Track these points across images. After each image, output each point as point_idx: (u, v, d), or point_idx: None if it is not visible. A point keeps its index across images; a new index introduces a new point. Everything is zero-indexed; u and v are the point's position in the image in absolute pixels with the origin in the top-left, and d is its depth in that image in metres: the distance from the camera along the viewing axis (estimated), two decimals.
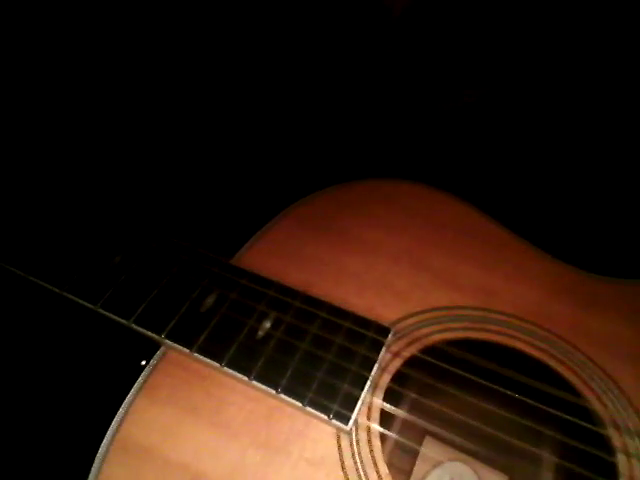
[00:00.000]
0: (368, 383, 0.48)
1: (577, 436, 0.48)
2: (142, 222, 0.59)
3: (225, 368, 0.49)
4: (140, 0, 0.96)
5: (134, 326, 0.52)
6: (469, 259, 0.59)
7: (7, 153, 0.77)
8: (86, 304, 0.53)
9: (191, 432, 0.47)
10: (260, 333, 0.51)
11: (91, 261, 0.56)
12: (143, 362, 0.50)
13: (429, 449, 0.53)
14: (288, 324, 0.52)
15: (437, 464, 0.53)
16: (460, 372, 0.50)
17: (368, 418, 0.48)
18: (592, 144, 0.82)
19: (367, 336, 0.51)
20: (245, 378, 0.49)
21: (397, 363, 0.51)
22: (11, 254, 0.57)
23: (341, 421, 0.46)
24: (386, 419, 0.49)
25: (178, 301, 0.53)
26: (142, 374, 0.49)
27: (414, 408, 0.53)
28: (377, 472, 0.45)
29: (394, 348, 0.52)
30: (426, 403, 0.51)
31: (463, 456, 0.53)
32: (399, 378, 0.51)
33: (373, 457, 0.46)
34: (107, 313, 0.52)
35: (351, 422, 0.46)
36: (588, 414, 0.49)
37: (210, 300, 0.53)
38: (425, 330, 0.53)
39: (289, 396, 0.48)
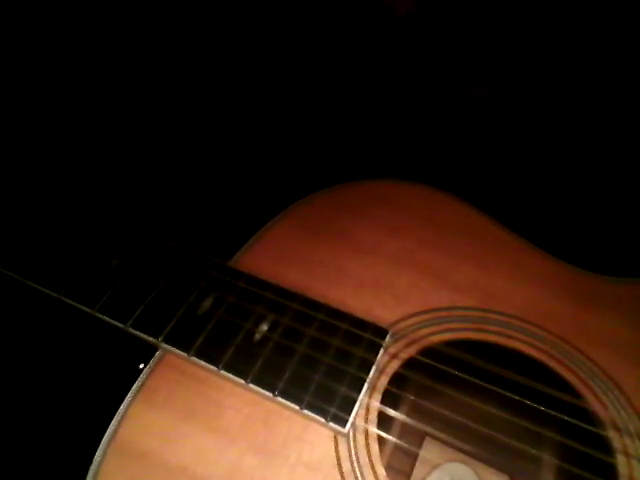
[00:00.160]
0: (366, 385, 0.48)
1: (577, 437, 0.47)
2: (139, 225, 0.59)
3: (222, 371, 0.49)
4: (140, 0, 0.96)
5: (131, 330, 0.51)
6: (469, 259, 0.59)
7: (4, 158, 0.77)
8: (83, 308, 0.53)
9: (188, 436, 0.47)
10: (257, 336, 0.51)
11: (88, 265, 0.56)
12: (141, 365, 0.50)
13: (429, 450, 0.53)
14: (285, 327, 0.52)
15: (437, 465, 0.53)
16: (459, 373, 0.50)
17: (366, 421, 0.48)
18: (592, 144, 0.82)
19: (365, 338, 0.51)
20: (242, 381, 0.48)
21: (395, 365, 0.51)
22: (8, 258, 0.57)
23: (338, 424, 0.46)
24: (385, 421, 0.49)
25: (175, 304, 0.53)
26: (139, 378, 0.49)
27: (413, 410, 0.53)
28: (375, 475, 0.45)
29: (392, 350, 0.52)
30: (425, 405, 0.51)
31: (463, 457, 0.53)
32: (397, 380, 0.50)
33: (371, 460, 0.46)
34: (104, 317, 0.52)
35: (348, 425, 0.46)
36: (588, 415, 0.49)
37: (207, 303, 0.53)
38: (424, 331, 0.53)
39: (286, 399, 0.47)
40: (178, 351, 0.50)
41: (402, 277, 0.57)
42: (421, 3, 0.88)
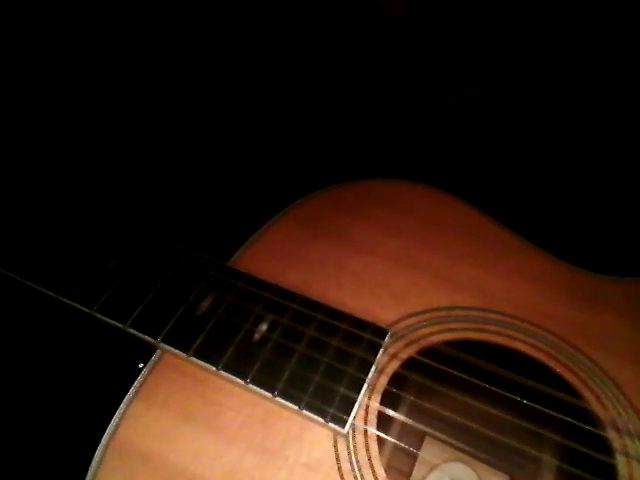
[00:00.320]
0: (365, 386, 0.48)
1: (577, 437, 0.47)
2: (138, 225, 0.59)
3: (221, 372, 0.49)
4: (140, 0, 0.96)
5: (130, 330, 0.51)
6: (469, 259, 0.59)
7: (4, 158, 0.77)
8: (82, 308, 0.53)
9: (187, 436, 0.47)
10: (256, 336, 0.51)
11: (87, 265, 0.56)
12: (141, 365, 0.50)
13: (429, 450, 0.53)
14: (285, 327, 0.52)
15: (437, 465, 0.53)
16: (459, 373, 0.50)
17: (365, 421, 0.48)
18: (593, 144, 0.82)
19: (364, 338, 0.51)
20: (241, 382, 0.48)
21: (395, 365, 0.51)
22: (7, 258, 0.57)
23: (338, 424, 0.46)
24: (384, 421, 0.49)
25: (174, 304, 0.53)
26: (138, 378, 0.49)
27: (413, 410, 0.53)
28: (374, 475, 0.45)
29: (392, 350, 0.51)
30: (425, 405, 0.51)
31: (463, 457, 0.53)
32: (397, 380, 0.50)
33: (370, 460, 0.46)
34: (103, 317, 0.52)
35: (348, 425, 0.46)
36: (588, 415, 0.49)
37: (206, 303, 0.53)
38: (423, 331, 0.53)
39: (285, 399, 0.47)
40: (177, 351, 0.50)
41: (402, 277, 0.57)
42: (413, 4, 0.88)
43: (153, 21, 0.96)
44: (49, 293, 0.54)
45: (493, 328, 0.53)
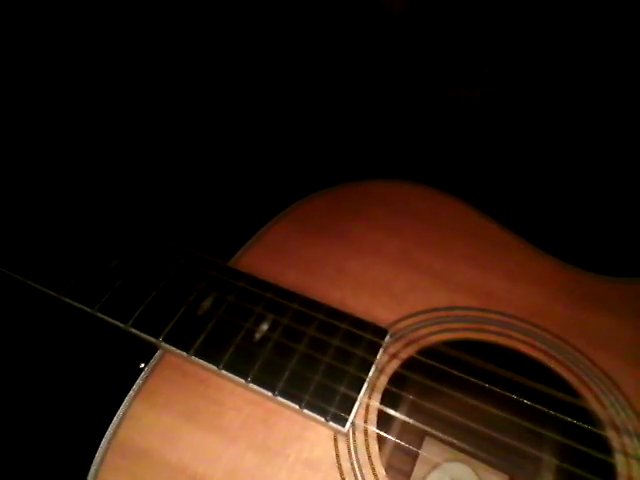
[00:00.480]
0: (365, 385, 0.48)
1: (576, 437, 0.47)
2: (139, 225, 0.60)
3: (222, 371, 0.49)
4: (140, 0, 0.96)
5: (132, 329, 0.52)
6: (468, 259, 0.59)
7: (4, 158, 0.77)
8: (84, 308, 0.53)
9: (189, 435, 0.47)
10: (257, 336, 0.51)
11: (88, 265, 0.56)
12: (142, 365, 0.50)
13: (429, 450, 0.53)
14: (285, 326, 0.52)
15: (437, 465, 0.53)
16: (459, 373, 0.50)
17: (365, 420, 0.48)
18: (592, 144, 0.82)
19: (364, 338, 0.51)
20: (242, 381, 0.49)
21: (395, 365, 0.51)
22: (9, 259, 0.57)
23: (338, 423, 0.46)
24: (385, 421, 0.49)
25: (175, 304, 0.53)
26: (139, 378, 0.49)
27: (413, 409, 0.53)
28: (374, 474, 0.45)
29: (392, 349, 0.52)
30: (425, 404, 0.51)
31: (463, 457, 0.53)
32: (397, 380, 0.50)
33: (370, 459, 0.46)
34: (105, 317, 0.52)
35: (348, 424, 0.46)
36: (587, 415, 0.49)
37: (207, 303, 0.53)
38: (423, 331, 0.53)
39: (286, 399, 0.47)
40: (178, 351, 0.50)
41: (402, 277, 0.57)
42: (414, 0, 0.88)
43: (153, 21, 0.97)
44: (51, 293, 0.54)
45: (492, 328, 0.53)
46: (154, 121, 0.90)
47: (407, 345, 0.52)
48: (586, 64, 0.84)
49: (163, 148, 0.87)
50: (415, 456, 0.53)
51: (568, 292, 0.56)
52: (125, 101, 0.91)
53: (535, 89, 0.87)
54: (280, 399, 0.48)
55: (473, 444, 0.50)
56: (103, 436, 0.47)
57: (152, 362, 0.51)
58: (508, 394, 0.49)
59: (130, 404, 0.48)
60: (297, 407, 0.47)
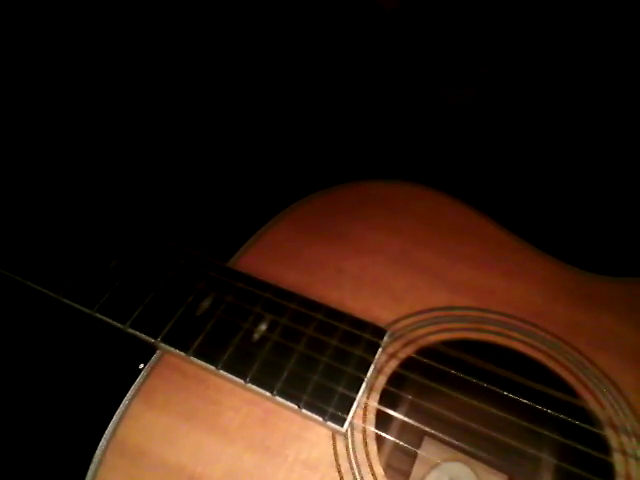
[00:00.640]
0: (364, 385, 0.48)
1: (575, 436, 0.47)
2: (138, 226, 0.60)
3: (221, 371, 0.49)
4: (140, 0, 0.96)
5: (130, 330, 0.52)
6: (467, 259, 0.59)
7: (4, 158, 0.77)
8: (82, 308, 0.53)
9: (187, 436, 0.47)
10: (256, 336, 0.51)
11: (87, 265, 0.56)
12: (141, 365, 0.51)
13: (428, 450, 0.53)
14: (284, 327, 0.52)
15: (436, 465, 0.53)
16: (457, 373, 0.50)
17: (364, 420, 0.48)
18: (592, 144, 0.82)
19: (363, 338, 0.51)
20: (241, 381, 0.49)
21: (393, 364, 0.51)
22: (8, 259, 0.57)
23: (337, 423, 0.46)
24: (383, 421, 0.49)
25: (174, 305, 0.53)
26: (138, 378, 0.50)
27: (412, 409, 0.53)
28: (373, 474, 0.45)
29: (390, 349, 0.52)
30: (424, 404, 0.51)
31: (462, 456, 0.53)
32: (396, 380, 0.50)
33: (369, 459, 0.46)
34: (103, 317, 0.53)
35: (346, 424, 0.46)
36: (586, 414, 0.49)
37: (206, 303, 0.53)
38: (422, 331, 0.53)
39: (285, 399, 0.47)
40: (177, 351, 0.50)
41: (400, 277, 0.57)
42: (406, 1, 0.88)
43: (153, 22, 0.97)
44: (50, 294, 0.54)
45: (492, 328, 0.53)
46: (153, 121, 0.90)
47: (406, 345, 0.52)
48: (584, 63, 0.84)
49: (162, 148, 0.87)
50: (414, 456, 0.53)
51: (568, 292, 0.56)
52: (124, 102, 0.92)
53: (533, 88, 0.87)
54: (279, 399, 0.48)
55: (472, 444, 0.50)
56: (102, 436, 0.47)
57: (151, 362, 0.51)
58: (507, 394, 0.49)
59: (129, 404, 0.48)
60: (296, 407, 0.47)
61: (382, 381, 0.50)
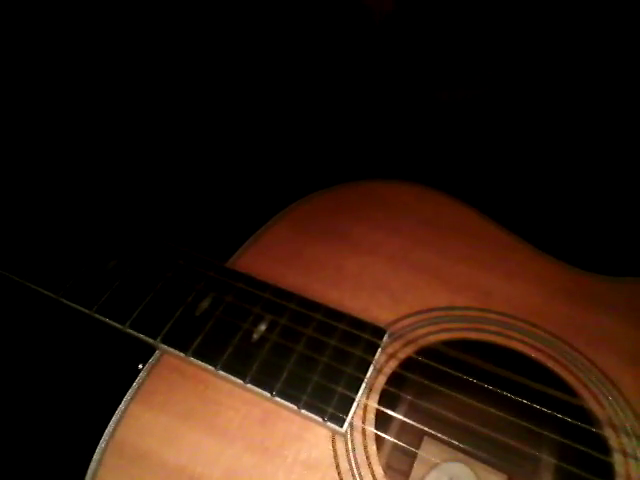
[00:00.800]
0: (363, 385, 0.48)
1: (574, 436, 0.47)
2: (137, 226, 0.60)
3: (220, 372, 0.49)
4: (140, 0, 0.96)
5: (129, 330, 0.52)
6: (467, 259, 0.59)
7: (3, 158, 0.77)
8: (81, 309, 0.53)
9: (187, 436, 0.47)
10: (255, 336, 0.51)
11: (86, 266, 0.56)
12: (140, 366, 0.50)
13: (427, 450, 0.53)
14: (283, 327, 0.52)
15: (435, 465, 0.53)
16: (457, 373, 0.50)
17: (363, 420, 0.48)
18: (591, 144, 0.82)
19: (362, 338, 0.51)
20: (240, 381, 0.48)
21: (393, 365, 0.51)
22: (7, 260, 0.57)
23: (336, 424, 0.46)
24: (383, 421, 0.49)
25: (173, 305, 0.53)
26: (137, 378, 0.49)
27: (411, 409, 0.53)
28: (372, 474, 0.45)
29: (390, 350, 0.52)
30: (423, 404, 0.51)
31: (462, 456, 0.53)
32: (395, 380, 0.50)
33: (368, 459, 0.46)
34: (102, 318, 0.52)
35: (346, 425, 0.46)
36: (586, 414, 0.49)
37: (205, 304, 0.53)
38: (421, 331, 0.53)
39: (284, 399, 0.47)
40: (176, 351, 0.50)
41: (400, 277, 0.57)
42: (401, 3, 0.88)
43: (153, 21, 0.97)
44: (49, 294, 0.54)
45: (491, 328, 0.53)
46: (152, 121, 0.90)
47: (405, 345, 0.52)
48: (581, 62, 0.84)
49: (162, 148, 0.87)
50: (413, 456, 0.53)
51: (567, 292, 0.56)
52: (124, 102, 0.91)
53: (533, 88, 0.87)
54: (278, 400, 0.48)
55: (472, 444, 0.50)
56: (101, 437, 0.47)
57: (150, 363, 0.51)
58: (507, 394, 0.49)
59: (128, 405, 0.48)
60: (295, 407, 0.47)
61: (382, 381, 0.50)
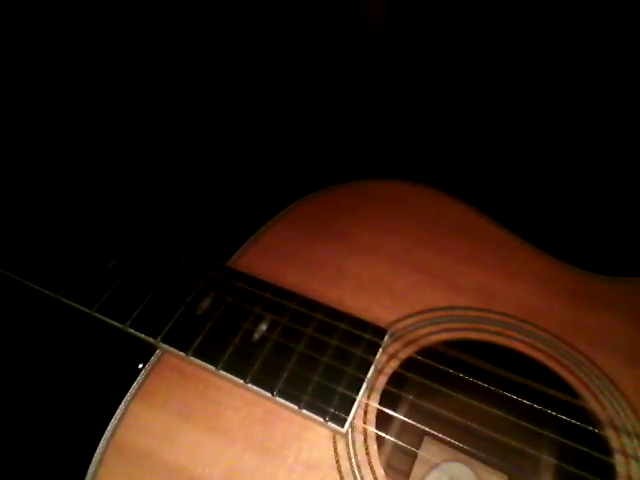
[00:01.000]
0: (364, 385, 0.48)
1: (575, 437, 0.47)
2: (138, 225, 0.59)
3: (221, 371, 0.49)
4: (140, 0, 0.96)
5: (130, 330, 0.51)
6: (468, 259, 0.59)
7: (3, 158, 0.77)
8: (82, 308, 0.53)
9: (187, 436, 0.47)
10: (256, 336, 0.51)
11: (87, 265, 0.56)
12: (140, 365, 0.50)
13: (428, 450, 0.53)
14: (284, 326, 0.52)
15: (436, 465, 0.53)
16: (458, 373, 0.50)
17: (364, 420, 0.48)
18: (591, 144, 0.82)
19: (363, 338, 0.51)
20: (241, 381, 0.48)
21: (394, 365, 0.51)
22: (7, 259, 0.57)
23: (337, 424, 0.46)
24: (384, 421, 0.49)
25: (174, 304, 0.53)
26: (138, 378, 0.49)
27: (412, 409, 0.53)
28: (373, 474, 0.45)
29: (391, 350, 0.52)
30: (424, 404, 0.51)
31: (462, 456, 0.53)
32: (396, 380, 0.50)
33: (369, 459, 0.46)
34: (103, 317, 0.52)
35: (347, 425, 0.46)
36: (586, 415, 0.49)
37: (206, 303, 0.53)
38: (422, 331, 0.53)
39: (285, 399, 0.47)
40: (177, 351, 0.50)
41: (401, 277, 0.57)
42: (393, 13, 0.88)
43: (153, 21, 0.97)
44: (49, 293, 0.54)
45: (492, 328, 0.53)
46: (152, 121, 0.90)
47: (406, 345, 0.52)
48: (580, 61, 0.84)
49: (162, 148, 0.87)
50: (414, 456, 0.53)
51: (568, 292, 0.56)
52: (124, 101, 0.91)
53: (532, 89, 0.87)
54: (279, 399, 0.47)
55: (472, 444, 0.50)
56: (102, 436, 0.46)
57: (150, 362, 0.51)
58: (507, 394, 0.49)
59: (129, 404, 0.48)
60: (296, 407, 0.47)
61: (382, 381, 0.50)
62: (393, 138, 0.88)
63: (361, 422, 0.48)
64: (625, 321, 0.54)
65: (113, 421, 0.47)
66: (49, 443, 0.60)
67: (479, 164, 0.83)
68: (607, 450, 0.47)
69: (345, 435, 0.47)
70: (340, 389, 0.48)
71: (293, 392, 0.48)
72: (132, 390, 0.49)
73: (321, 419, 0.46)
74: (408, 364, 0.51)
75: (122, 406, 0.48)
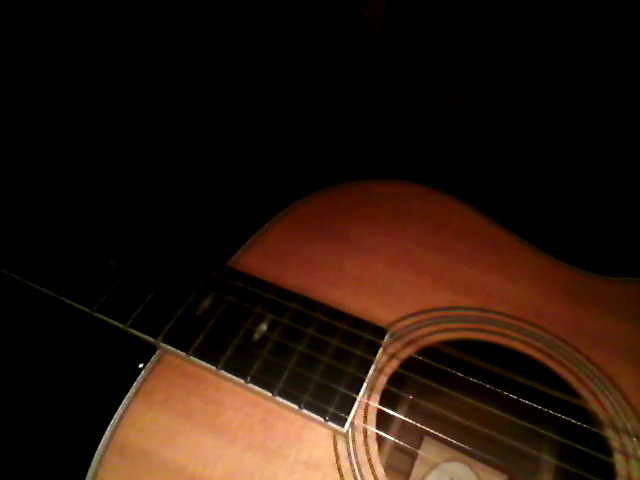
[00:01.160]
0: (364, 385, 0.48)
1: (575, 437, 0.47)
2: (138, 225, 0.59)
3: (221, 371, 0.49)
4: (140, 0, 0.96)
5: (130, 330, 0.52)
6: (467, 259, 0.59)
7: (4, 158, 0.77)
8: (82, 308, 0.53)
9: (187, 436, 0.47)
10: (256, 336, 0.51)
11: (87, 265, 0.56)
12: (141, 365, 0.50)
13: (428, 450, 0.53)
14: (284, 326, 0.52)
15: (436, 465, 0.53)
16: (458, 373, 0.50)
17: (364, 420, 0.48)
18: (591, 144, 0.82)
19: (364, 338, 0.51)
20: (241, 381, 0.48)
21: (394, 364, 0.51)
22: (8, 259, 0.57)
23: (337, 423, 0.46)
24: (384, 421, 0.49)
25: (174, 304, 0.53)
26: (138, 378, 0.49)
27: (412, 409, 0.53)
28: (373, 474, 0.45)
29: (391, 349, 0.52)
30: (424, 404, 0.51)
31: (462, 456, 0.53)
32: (396, 380, 0.50)
33: (369, 459, 0.46)
34: (103, 317, 0.52)
35: (347, 424, 0.46)
36: (586, 415, 0.49)
37: (206, 303, 0.53)
38: (422, 331, 0.53)
39: (285, 399, 0.47)
40: (177, 351, 0.50)
41: (401, 277, 0.57)
42: (391, 14, 0.88)
43: (153, 21, 0.97)
44: (49, 293, 0.54)
45: (492, 328, 0.53)
46: (153, 121, 0.90)
47: (406, 345, 0.52)
48: (579, 61, 0.84)
49: (162, 148, 0.87)
50: (414, 456, 0.53)
51: (567, 292, 0.56)
52: (124, 101, 0.91)
53: (532, 89, 0.87)
54: (279, 399, 0.47)
55: (472, 444, 0.50)
56: (102, 436, 0.46)
57: (151, 362, 0.51)
58: (507, 394, 0.49)
59: (129, 404, 0.48)
60: (296, 407, 0.47)
61: (383, 381, 0.50)
62: (393, 138, 0.88)
63: (361, 422, 0.48)
64: (625, 321, 0.54)
65: (113, 421, 0.47)
66: (49, 443, 0.60)
67: (479, 164, 0.83)
68: (607, 450, 0.47)
69: (345, 435, 0.47)
70: (340, 389, 0.48)
71: (293, 392, 0.48)
72: (132, 390, 0.49)
73: (321, 419, 0.46)
74: (408, 364, 0.51)
75: (122, 406, 0.48)
